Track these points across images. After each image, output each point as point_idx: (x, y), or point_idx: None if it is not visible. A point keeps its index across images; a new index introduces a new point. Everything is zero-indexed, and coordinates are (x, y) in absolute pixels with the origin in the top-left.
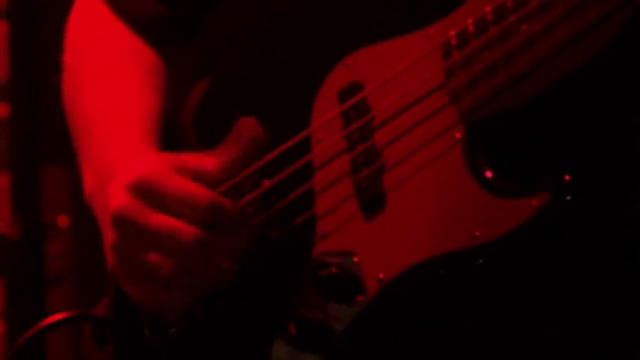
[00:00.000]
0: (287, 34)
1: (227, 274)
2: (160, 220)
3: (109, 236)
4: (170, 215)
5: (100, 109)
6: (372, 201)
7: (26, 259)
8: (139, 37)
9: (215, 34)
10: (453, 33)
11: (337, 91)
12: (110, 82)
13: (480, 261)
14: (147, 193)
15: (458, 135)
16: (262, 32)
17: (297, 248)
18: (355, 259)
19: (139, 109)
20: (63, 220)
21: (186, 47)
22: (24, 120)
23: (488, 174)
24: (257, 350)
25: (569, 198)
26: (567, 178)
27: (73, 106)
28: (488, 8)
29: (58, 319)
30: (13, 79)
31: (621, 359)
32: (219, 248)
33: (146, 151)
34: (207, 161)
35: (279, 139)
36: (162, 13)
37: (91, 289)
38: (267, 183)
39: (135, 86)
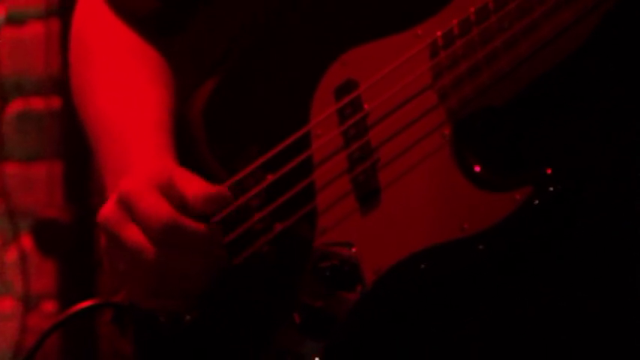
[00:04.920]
0: (286, 32)
1: (207, 282)
2: (130, 235)
3: (101, 240)
4: (140, 230)
5: (114, 110)
6: (368, 196)
7: (77, 243)
8: (138, 33)
9: (211, 28)
10: (439, 34)
11: (334, 88)
12: (121, 82)
13: (467, 252)
14: (126, 206)
15: (447, 132)
16: (262, 31)
17: (300, 240)
18: (354, 251)
19: (154, 108)
20: None
21: (178, 40)
22: (75, 112)
23: (477, 169)
24: (263, 337)
25: (549, 190)
26: (548, 171)
27: (85, 106)
28: (472, 9)
29: (82, 307)
30: (64, 74)
31: (611, 351)
32: (183, 265)
33: (154, 153)
34: (194, 187)
35: (281, 134)
36: (155, 6)
37: None
38: (270, 177)
39: (146, 84)
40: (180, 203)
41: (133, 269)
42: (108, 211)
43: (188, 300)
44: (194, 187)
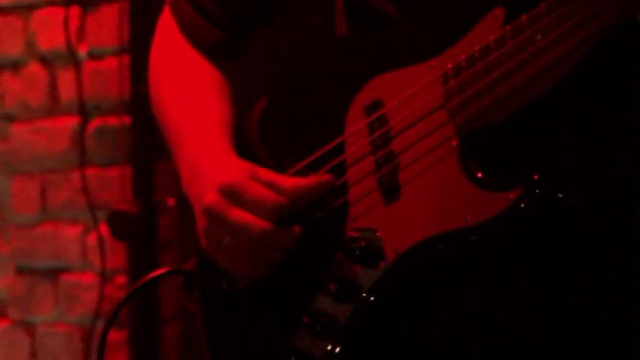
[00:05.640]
0: (325, 60)
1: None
2: (238, 215)
3: (201, 221)
4: (246, 212)
5: (186, 119)
6: (390, 192)
7: (143, 230)
8: (206, 58)
9: (262, 57)
10: (450, 65)
11: (364, 107)
12: (192, 96)
13: (471, 238)
14: (231, 194)
15: (454, 143)
16: (306, 59)
17: (335, 226)
18: (378, 235)
19: (218, 118)
20: (170, 201)
21: (238, 65)
22: (142, 127)
23: (478, 174)
24: (305, 301)
25: (536, 192)
26: (536, 177)
27: (163, 117)
28: (477, 47)
29: (158, 274)
30: (132, 96)
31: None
32: (280, 240)
33: (226, 154)
34: (282, 182)
35: (322, 142)
36: (220, 37)
37: (188, 250)
38: (312, 175)
39: (211, 99)
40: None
41: (237, 242)
42: (212, 199)
43: (270, 269)
44: (289, 179)
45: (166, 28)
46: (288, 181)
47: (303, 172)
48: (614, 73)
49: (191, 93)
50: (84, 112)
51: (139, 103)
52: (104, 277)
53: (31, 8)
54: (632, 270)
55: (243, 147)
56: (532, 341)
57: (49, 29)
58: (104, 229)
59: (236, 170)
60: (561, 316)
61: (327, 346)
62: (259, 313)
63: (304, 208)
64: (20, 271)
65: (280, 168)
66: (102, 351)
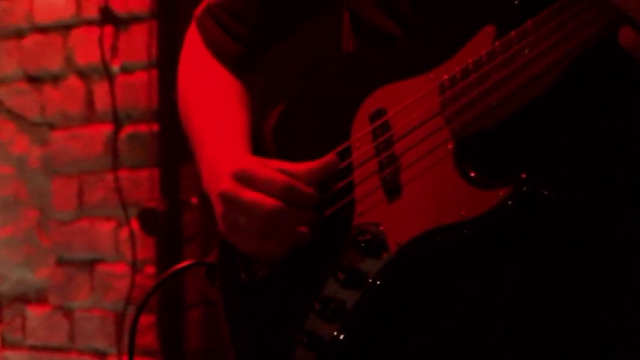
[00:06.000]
0: (334, 73)
1: (301, 239)
2: (250, 195)
3: (218, 209)
4: (259, 192)
5: (208, 124)
6: (392, 190)
7: (170, 225)
8: (228, 70)
9: (277, 70)
10: (446, 77)
11: (369, 115)
12: (214, 104)
13: (465, 231)
14: (243, 178)
15: (450, 147)
16: (316, 72)
17: (343, 221)
18: (381, 229)
19: (236, 123)
20: (194, 200)
21: (257, 76)
22: (168, 134)
23: (472, 174)
24: (316, 289)
25: (524, 190)
26: (523, 175)
27: (189, 122)
28: (470, 60)
29: (183, 266)
30: (160, 105)
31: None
32: (291, 217)
33: (242, 153)
34: (290, 167)
35: (330, 146)
36: (241, 51)
37: (209, 244)
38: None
39: (232, 106)
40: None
41: (250, 220)
42: (226, 185)
43: (285, 247)
44: (298, 164)
45: (193, 42)
46: (298, 166)
47: None
48: (595, 82)
49: (214, 101)
50: (117, 120)
51: (165, 112)
52: (135, 268)
53: (69, 27)
54: (613, 260)
55: (259, 150)
56: (521, 322)
57: (86, 46)
58: (135, 224)
59: (248, 159)
60: (548, 302)
61: (336, 328)
62: (274, 300)
63: (317, 198)
64: (60, 262)
65: None
66: (133, 333)
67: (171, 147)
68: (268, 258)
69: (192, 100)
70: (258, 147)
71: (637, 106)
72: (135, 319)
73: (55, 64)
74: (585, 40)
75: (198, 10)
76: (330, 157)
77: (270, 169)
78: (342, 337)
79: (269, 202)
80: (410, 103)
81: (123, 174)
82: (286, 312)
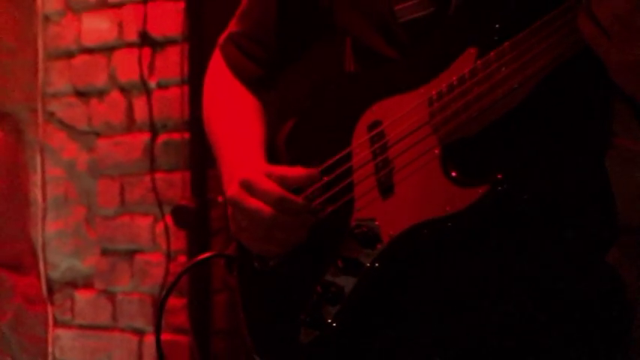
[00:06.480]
0: (338, 91)
1: (297, 240)
2: (252, 202)
3: (228, 210)
4: (259, 200)
5: (228, 135)
6: (386, 190)
7: (199, 220)
8: (247, 88)
9: (289, 88)
10: (434, 92)
11: (367, 125)
12: (233, 117)
13: (449, 224)
14: (247, 186)
15: (437, 152)
16: (323, 90)
17: (344, 216)
18: (376, 223)
19: (252, 134)
20: (220, 198)
21: (272, 94)
22: (198, 141)
23: (455, 174)
24: (318, 275)
25: (499, 188)
26: (499, 176)
27: (212, 133)
28: (454, 77)
29: (204, 257)
30: (191, 117)
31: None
32: (285, 223)
33: (255, 159)
34: (288, 172)
35: (333, 152)
36: (258, 72)
37: (231, 238)
38: (326, 178)
39: (249, 120)
40: (282, 183)
41: (252, 224)
42: (234, 191)
43: (282, 248)
44: (293, 170)
45: (217, 64)
46: (294, 172)
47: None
48: (562, 95)
49: (233, 115)
50: (153, 129)
51: (196, 122)
52: (169, 257)
53: (112, 49)
54: (573, 243)
55: (273, 157)
56: (497, 301)
57: (126, 65)
58: (169, 219)
59: (254, 168)
60: (521, 282)
61: (335, 309)
62: (283, 285)
63: (307, 206)
64: (104, 252)
65: None
66: (161, 309)
67: (201, 153)
68: (271, 254)
69: (215, 113)
70: (272, 154)
71: (596, 115)
72: (163, 299)
73: (100, 81)
74: (553, 59)
75: (222, 38)
76: (312, 170)
77: (270, 180)
78: (340, 317)
79: (266, 210)
80: (402, 115)
81: (159, 176)
82: (293, 295)
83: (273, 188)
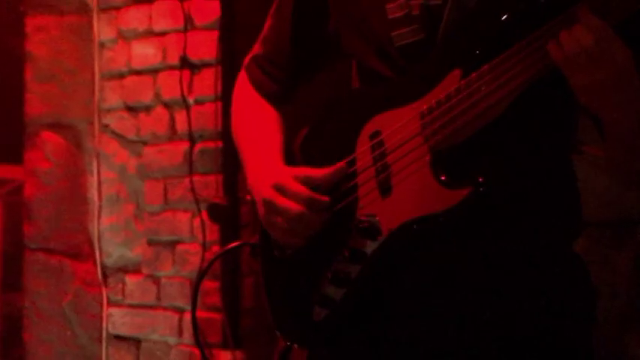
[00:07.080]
0: (343, 105)
1: (314, 233)
2: (283, 202)
3: (261, 208)
4: (289, 200)
5: (252, 142)
6: (385, 190)
7: (231, 215)
8: (267, 101)
9: (303, 102)
10: (425, 107)
11: (369, 135)
12: (256, 127)
13: (440, 219)
14: (279, 189)
15: (427, 158)
16: (331, 105)
17: (349, 212)
18: (377, 219)
19: (273, 142)
20: (248, 197)
21: (288, 108)
22: (230, 149)
23: (444, 178)
24: (329, 262)
25: (481, 189)
26: (481, 179)
27: (238, 141)
28: (443, 94)
29: (232, 246)
30: (223, 128)
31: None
32: (310, 219)
33: (277, 164)
34: (312, 173)
35: (340, 157)
36: (277, 89)
37: (255, 230)
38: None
39: (269, 129)
40: (307, 184)
41: (282, 220)
42: (268, 193)
43: (303, 240)
44: (314, 172)
45: (242, 82)
46: (318, 171)
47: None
48: (535, 111)
49: (256, 125)
50: (192, 139)
51: (228, 133)
52: (204, 247)
53: (157, 71)
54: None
55: (289, 161)
56: (481, 285)
57: (169, 85)
58: (205, 215)
59: (283, 173)
60: (497, 265)
61: (343, 292)
62: (299, 271)
63: (329, 203)
64: (150, 243)
65: None
66: (196, 290)
67: (232, 159)
68: (294, 245)
69: (241, 123)
70: (289, 158)
71: (564, 127)
72: (197, 282)
73: (147, 98)
74: (526, 80)
75: (247, 59)
76: (340, 165)
77: (298, 182)
78: (347, 298)
79: (296, 208)
80: (398, 126)
81: (196, 178)
82: (307, 280)
83: (302, 189)
